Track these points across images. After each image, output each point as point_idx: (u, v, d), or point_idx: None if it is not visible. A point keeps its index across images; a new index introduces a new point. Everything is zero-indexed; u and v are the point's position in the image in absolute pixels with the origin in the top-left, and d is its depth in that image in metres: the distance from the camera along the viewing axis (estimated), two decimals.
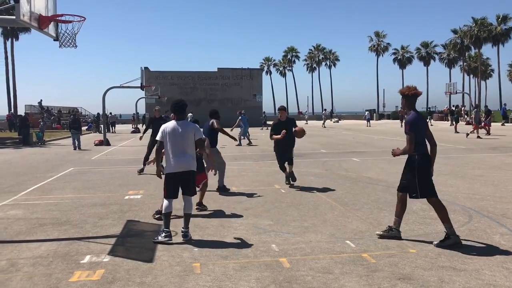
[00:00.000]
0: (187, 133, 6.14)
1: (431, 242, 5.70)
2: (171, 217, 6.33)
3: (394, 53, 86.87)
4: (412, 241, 5.82)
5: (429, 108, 53.92)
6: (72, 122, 23.54)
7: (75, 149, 21.94)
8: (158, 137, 6.24)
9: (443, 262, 4.99)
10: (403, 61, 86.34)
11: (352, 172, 12.08)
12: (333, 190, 9.53)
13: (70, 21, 7.58)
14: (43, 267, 5.08)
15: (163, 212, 6.15)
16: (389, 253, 5.34)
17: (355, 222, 6.84)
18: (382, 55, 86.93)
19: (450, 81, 64.73)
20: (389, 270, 4.76)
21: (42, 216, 7.64)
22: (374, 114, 67.56)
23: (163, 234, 5.96)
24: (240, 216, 7.34)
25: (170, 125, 6.20)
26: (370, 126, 42.10)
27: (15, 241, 6.17)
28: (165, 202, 6.13)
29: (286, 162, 10.15)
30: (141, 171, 12.48)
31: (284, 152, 10.08)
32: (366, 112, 47.56)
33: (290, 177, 10.11)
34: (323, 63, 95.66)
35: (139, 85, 28.93)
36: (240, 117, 24.74)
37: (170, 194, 6.14)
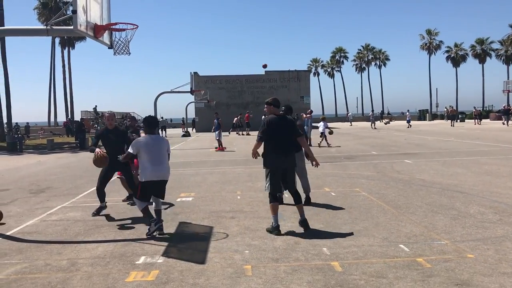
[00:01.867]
0: (162, 147, 6.65)
1: (490, 247, 5.46)
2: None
3: (447, 51, 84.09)
4: (470, 245, 5.59)
5: (477, 107, 51.61)
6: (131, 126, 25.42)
7: None
8: (131, 150, 6.54)
9: (504, 268, 4.77)
10: (456, 59, 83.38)
11: (404, 174, 11.77)
12: (385, 192, 9.32)
13: (124, 29, 7.83)
14: (100, 267, 5.27)
15: (141, 209, 6.65)
16: (446, 257, 5.16)
17: (409, 225, 6.65)
18: (435, 54, 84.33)
19: (508, 78, 61.97)
20: (446, 276, 4.60)
21: (98, 218, 7.93)
22: (427, 114, 65.61)
23: (152, 224, 6.48)
24: (290, 219, 7.31)
25: (143, 139, 6.56)
26: (410, 127, 40.65)
27: (74, 242, 6.43)
28: (138, 202, 6.63)
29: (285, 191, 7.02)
30: (98, 212, 8.18)
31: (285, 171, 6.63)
32: (407, 113, 46.14)
33: (303, 225, 6.57)
34: (373, 63, 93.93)
35: (189, 90, 29.49)
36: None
37: (144, 199, 6.59)
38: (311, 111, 24.93)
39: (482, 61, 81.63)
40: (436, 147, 19.70)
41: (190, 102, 49.46)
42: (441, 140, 24.18)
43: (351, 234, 6.29)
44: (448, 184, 10.11)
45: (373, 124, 43.38)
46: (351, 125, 54.04)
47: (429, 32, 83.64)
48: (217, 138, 23.46)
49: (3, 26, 30.24)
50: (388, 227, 6.58)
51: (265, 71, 53.62)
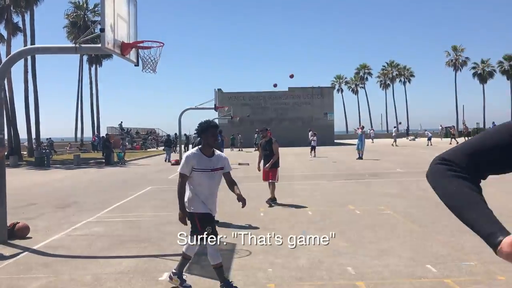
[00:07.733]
0: (218, 167, 4.94)
1: None
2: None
3: (473, 68, 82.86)
4: (500, 267, 5.41)
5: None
6: (166, 141, 31.87)
7: (165, 161, 27.47)
8: (180, 170, 4.86)
9: None
10: (483, 76, 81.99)
11: (431, 193, 11.43)
12: (411, 211, 9.14)
13: (150, 47, 7.95)
14: (124, 282, 5.28)
15: (188, 255, 5.21)
16: (475, 279, 5.00)
17: (436, 245, 6.50)
18: (461, 70, 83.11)
19: None
20: None
21: (123, 233, 7.98)
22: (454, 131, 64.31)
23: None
24: (314, 237, 7.21)
25: (198, 156, 4.87)
26: (431, 145, 39.24)
27: (98, 257, 6.48)
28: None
29: None
30: None
31: None
32: (426, 132, 45.01)
33: None
34: (397, 80, 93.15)
35: (213, 106, 29.72)
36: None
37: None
38: (363, 127, 27.95)
39: (510, 77, 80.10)
40: None
41: (214, 119, 49.81)
42: None
43: (377, 253, 6.17)
44: None
45: (394, 142, 41.34)
46: (373, 142, 53.06)
47: (454, 49, 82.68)
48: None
49: (34, 44, 31.16)
50: (415, 247, 6.44)
51: (289, 88, 53.75)
